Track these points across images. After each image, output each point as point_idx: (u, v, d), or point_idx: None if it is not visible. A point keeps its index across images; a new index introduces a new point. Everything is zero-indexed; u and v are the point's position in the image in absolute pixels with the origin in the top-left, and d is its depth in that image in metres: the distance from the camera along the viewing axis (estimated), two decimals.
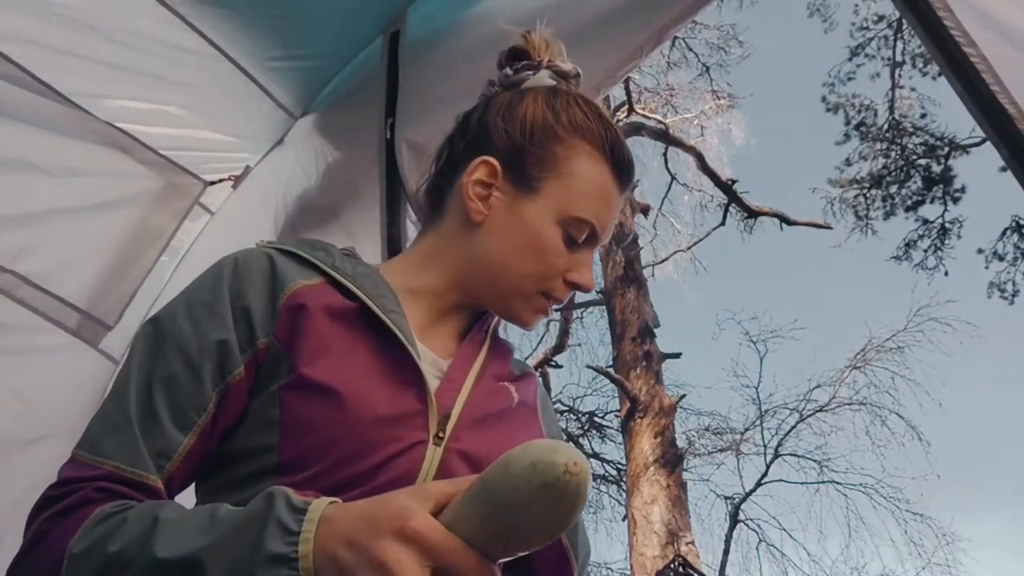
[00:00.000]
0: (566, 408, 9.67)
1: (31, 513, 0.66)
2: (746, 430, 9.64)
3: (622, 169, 0.85)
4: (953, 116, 9.37)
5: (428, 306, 0.85)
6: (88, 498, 0.64)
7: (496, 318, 0.89)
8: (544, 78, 0.90)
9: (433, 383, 0.75)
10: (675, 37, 8.76)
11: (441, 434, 0.72)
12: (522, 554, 0.54)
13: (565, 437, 9.58)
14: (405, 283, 0.84)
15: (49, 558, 0.61)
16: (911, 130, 9.84)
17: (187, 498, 0.74)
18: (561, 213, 0.81)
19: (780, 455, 9.41)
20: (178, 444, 0.69)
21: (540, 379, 0.95)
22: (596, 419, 9.58)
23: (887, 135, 9.96)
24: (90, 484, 0.65)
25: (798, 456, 9.53)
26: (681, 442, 7.47)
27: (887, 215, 10.04)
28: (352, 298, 0.76)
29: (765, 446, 9.41)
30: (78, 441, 0.69)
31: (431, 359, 0.79)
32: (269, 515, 0.55)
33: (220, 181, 1.87)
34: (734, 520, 9.00)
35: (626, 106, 9.09)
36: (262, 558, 0.53)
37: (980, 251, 9.50)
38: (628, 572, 6.65)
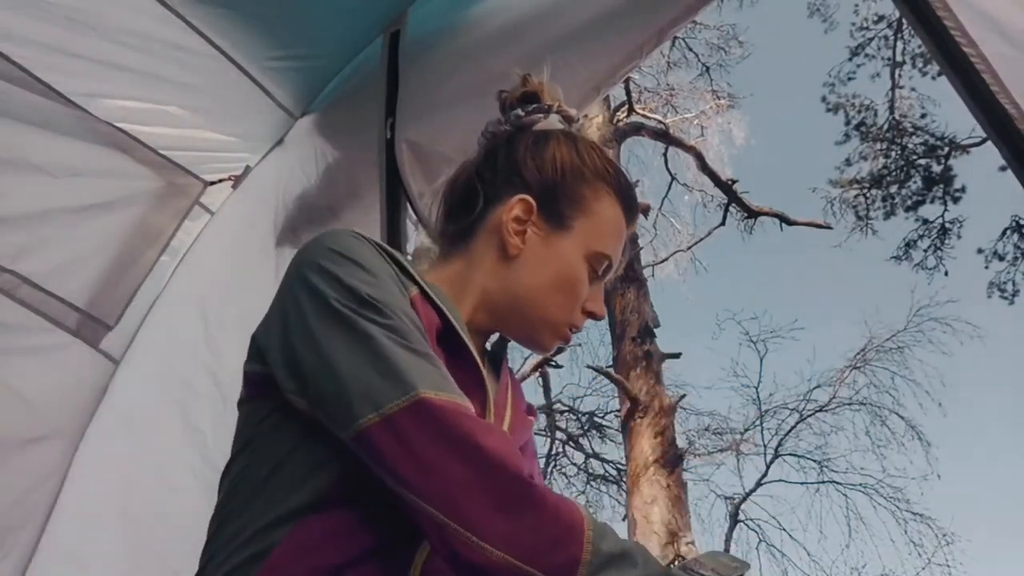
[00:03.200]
0: (566, 408, 9.67)
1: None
2: (746, 430, 9.64)
3: (631, 211, 0.95)
4: (953, 116, 9.37)
5: None
6: None
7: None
8: (555, 122, 0.96)
9: None
10: (675, 37, 8.76)
11: None
12: None
13: (565, 437, 9.46)
14: None
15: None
16: (911, 130, 9.84)
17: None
18: (588, 249, 0.89)
19: (780, 455, 9.42)
20: None
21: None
22: (596, 419, 9.58)
23: (887, 135, 9.96)
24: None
25: (798, 456, 9.54)
26: (681, 442, 7.47)
27: (887, 215, 10.05)
28: (439, 314, 0.79)
29: (765, 446, 9.42)
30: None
31: None
32: None
33: (220, 181, 1.87)
34: (734, 520, 9.01)
35: (626, 106, 9.08)
36: None
37: (980, 251, 9.50)
38: None
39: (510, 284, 0.88)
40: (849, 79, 10.20)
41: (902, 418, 9.50)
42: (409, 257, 0.92)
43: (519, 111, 0.97)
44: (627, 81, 8.49)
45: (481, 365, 0.80)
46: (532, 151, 0.91)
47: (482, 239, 0.90)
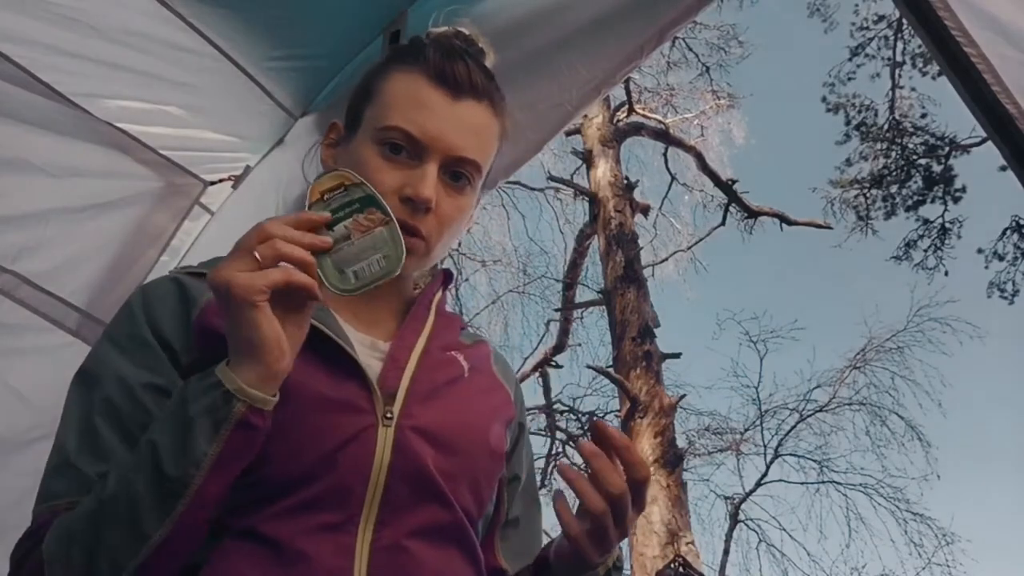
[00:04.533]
0: (566, 408, 9.67)
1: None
2: (746, 430, 9.66)
3: (440, 74, 0.81)
4: (953, 116, 9.38)
5: None
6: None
7: (439, 293, 0.91)
8: None
9: (376, 366, 0.77)
10: (675, 37, 8.76)
11: (389, 415, 0.74)
12: None
13: (565, 437, 9.45)
14: None
15: None
16: (911, 130, 9.85)
17: None
18: (373, 129, 0.81)
19: (780, 455, 9.44)
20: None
21: (493, 347, 0.96)
22: (596, 419, 9.55)
23: (887, 135, 9.97)
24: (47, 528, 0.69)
25: (798, 456, 9.56)
26: (681, 442, 7.48)
27: (887, 215, 10.05)
28: None
29: (765, 446, 9.43)
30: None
31: (369, 343, 0.81)
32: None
33: (220, 181, 1.87)
34: (734, 520, 9.01)
35: (626, 106, 9.09)
36: (200, 391, 0.64)
37: (980, 251, 9.51)
38: (628, 572, 6.65)
39: None
40: (849, 79, 10.23)
41: (902, 418, 9.53)
42: None
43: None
44: (627, 81, 8.50)
45: (340, 340, 0.75)
46: None
47: None
